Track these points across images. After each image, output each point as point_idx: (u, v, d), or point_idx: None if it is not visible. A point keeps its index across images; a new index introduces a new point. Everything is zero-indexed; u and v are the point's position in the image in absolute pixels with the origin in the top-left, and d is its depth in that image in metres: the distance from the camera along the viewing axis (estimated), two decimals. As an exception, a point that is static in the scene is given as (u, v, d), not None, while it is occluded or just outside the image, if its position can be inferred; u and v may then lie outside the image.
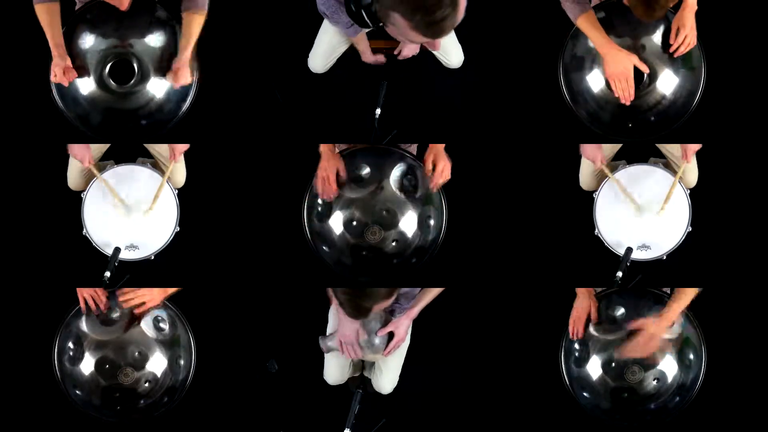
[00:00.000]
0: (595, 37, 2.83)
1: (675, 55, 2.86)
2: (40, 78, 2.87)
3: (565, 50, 2.97)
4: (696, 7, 2.82)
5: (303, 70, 3.20)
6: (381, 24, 2.43)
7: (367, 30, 3.06)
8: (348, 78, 3.24)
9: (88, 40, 2.84)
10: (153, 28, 2.85)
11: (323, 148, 2.91)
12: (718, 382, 3.04)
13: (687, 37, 2.82)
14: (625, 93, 2.85)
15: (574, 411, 3.01)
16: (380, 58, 3.15)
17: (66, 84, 2.82)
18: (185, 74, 2.83)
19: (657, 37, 2.88)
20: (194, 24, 2.82)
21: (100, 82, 2.85)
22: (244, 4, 3.28)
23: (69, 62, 2.80)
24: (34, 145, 3.19)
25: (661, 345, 2.90)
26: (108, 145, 3.10)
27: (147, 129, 2.90)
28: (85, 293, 2.91)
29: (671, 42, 2.84)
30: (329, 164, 2.90)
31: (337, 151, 2.96)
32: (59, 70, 2.79)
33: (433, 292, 2.90)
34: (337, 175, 2.91)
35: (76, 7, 2.90)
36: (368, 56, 3.13)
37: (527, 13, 3.28)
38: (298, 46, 3.22)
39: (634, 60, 2.82)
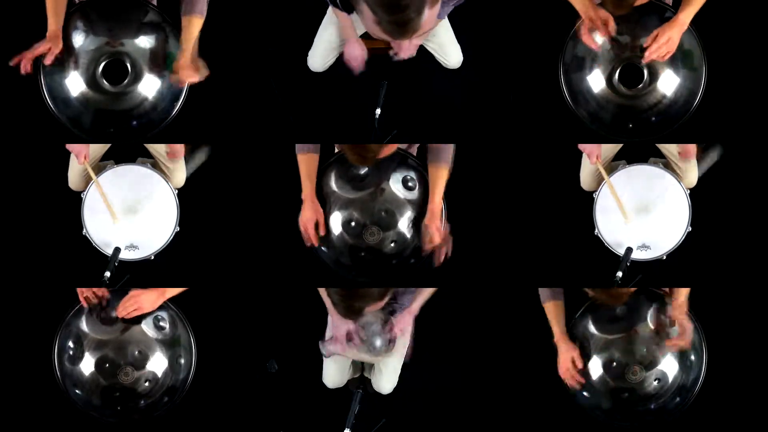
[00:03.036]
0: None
1: (643, 61, 2.85)
2: (31, 78, 2.86)
3: (565, 50, 2.96)
4: (685, 27, 2.81)
5: (302, 69, 3.20)
6: (353, 10, 2.40)
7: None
8: (348, 78, 3.24)
9: (79, 39, 2.83)
10: (146, 28, 2.85)
11: (307, 191, 2.93)
12: (719, 382, 3.03)
13: (661, 47, 2.80)
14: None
15: (574, 411, 3.01)
16: (357, 62, 3.09)
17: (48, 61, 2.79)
18: (190, 72, 2.80)
19: (657, 37, 2.88)
20: (193, 25, 2.81)
21: (92, 82, 2.85)
22: (243, 3, 3.28)
23: (60, 47, 2.78)
24: (33, 146, 3.19)
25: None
26: (108, 145, 3.11)
27: (140, 129, 2.89)
28: (85, 292, 2.91)
29: (645, 45, 2.84)
30: (312, 214, 2.93)
31: (338, 150, 2.96)
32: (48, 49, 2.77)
33: (430, 289, 2.91)
34: (317, 225, 2.94)
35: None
36: (351, 46, 3.04)
37: (527, 13, 3.28)
38: (297, 45, 3.22)
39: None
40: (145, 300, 2.91)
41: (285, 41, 3.31)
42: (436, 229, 2.89)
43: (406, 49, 2.96)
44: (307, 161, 2.93)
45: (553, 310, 2.98)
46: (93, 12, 2.84)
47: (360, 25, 3.05)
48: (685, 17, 2.80)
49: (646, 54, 2.82)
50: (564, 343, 2.96)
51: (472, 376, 3.28)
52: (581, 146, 3.03)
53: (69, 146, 2.97)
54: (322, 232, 2.94)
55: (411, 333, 2.91)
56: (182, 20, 2.83)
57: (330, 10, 3.07)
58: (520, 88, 3.27)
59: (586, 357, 2.96)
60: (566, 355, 2.95)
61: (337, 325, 2.83)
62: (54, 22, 2.77)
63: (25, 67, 2.75)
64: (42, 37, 2.79)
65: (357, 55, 3.05)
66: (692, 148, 2.99)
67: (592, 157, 2.99)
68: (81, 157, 2.95)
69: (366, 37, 3.11)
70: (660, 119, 2.94)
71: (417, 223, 2.95)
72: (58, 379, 2.95)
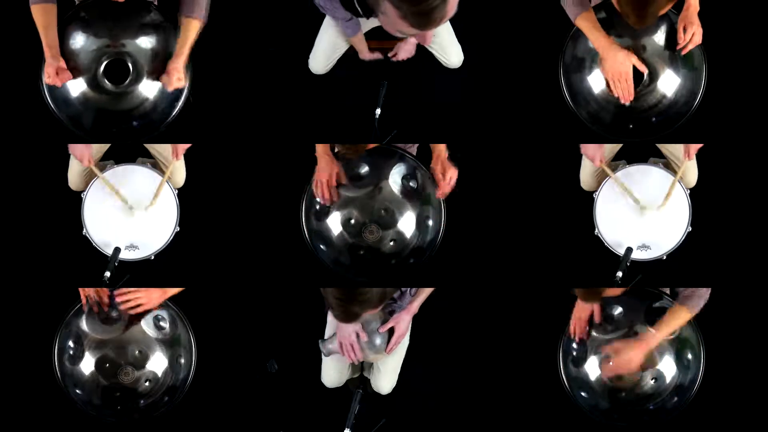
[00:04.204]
0: (595, 36, 2.82)
1: (683, 53, 2.85)
2: (32, 78, 2.86)
3: (565, 51, 2.96)
4: (698, 7, 2.82)
5: (303, 70, 3.21)
6: (373, 14, 2.40)
7: (365, 31, 3.07)
8: (348, 78, 3.25)
9: (80, 40, 2.83)
10: (147, 28, 2.84)
11: (320, 150, 2.90)
12: (717, 382, 3.03)
13: (695, 34, 2.81)
14: (625, 93, 2.84)
15: (573, 411, 3.01)
16: (377, 54, 3.15)
17: (59, 84, 2.80)
18: (180, 77, 2.81)
19: (658, 38, 2.87)
20: (192, 29, 2.81)
21: (93, 82, 2.84)
22: (244, 4, 3.28)
23: (62, 63, 2.78)
24: (33, 146, 3.19)
25: (644, 364, 2.87)
26: (108, 145, 3.11)
27: (141, 130, 2.89)
28: (87, 293, 2.91)
29: (679, 40, 2.83)
30: (328, 168, 2.90)
31: (336, 150, 2.97)
32: (52, 71, 2.77)
33: (429, 289, 2.91)
34: (337, 179, 2.91)
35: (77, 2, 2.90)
36: (365, 54, 3.14)
37: (527, 13, 3.28)
38: (298, 47, 3.23)
39: (633, 59, 2.82)
40: (152, 297, 2.90)
41: (285, 42, 3.31)
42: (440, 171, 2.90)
43: (430, 38, 2.97)
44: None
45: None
46: (94, 12, 2.84)
47: (364, 24, 3.07)
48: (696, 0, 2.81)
49: (689, 46, 2.82)
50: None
51: (472, 376, 3.28)
52: (583, 150, 3.03)
53: (71, 149, 2.97)
54: (342, 180, 2.91)
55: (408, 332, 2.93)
56: (182, 21, 2.82)
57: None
58: (520, 88, 3.27)
59: (581, 359, 2.96)
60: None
61: (341, 327, 2.83)
62: (45, 36, 2.75)
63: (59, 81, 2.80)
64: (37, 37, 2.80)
65: (376, 55, 3.10)
66: (694, 147, 2.98)
67: (596, 160, 3.00)
68: (85, 160, 2.96)
69: (371, 37, 3.13)
70: (660, 119, 2.93)
71: (418, 221, 2.96)
72: (59, 379, 2.95)
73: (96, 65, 2.83)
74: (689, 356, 2.93)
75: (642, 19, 2.63)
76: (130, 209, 2.99)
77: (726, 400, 3.14)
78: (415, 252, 2.98)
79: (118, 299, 2.89)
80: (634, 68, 2.83)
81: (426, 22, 2.24)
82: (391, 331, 2.86)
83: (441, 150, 2.91)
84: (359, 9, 2.62)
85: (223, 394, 3.23)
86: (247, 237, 3.24)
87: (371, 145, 2.84)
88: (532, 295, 3.20)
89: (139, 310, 2.90)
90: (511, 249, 3.24)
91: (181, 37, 2.81)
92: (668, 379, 2.92)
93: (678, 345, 2.92)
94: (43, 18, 2.76)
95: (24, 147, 3.21)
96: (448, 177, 2.88)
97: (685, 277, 3.12)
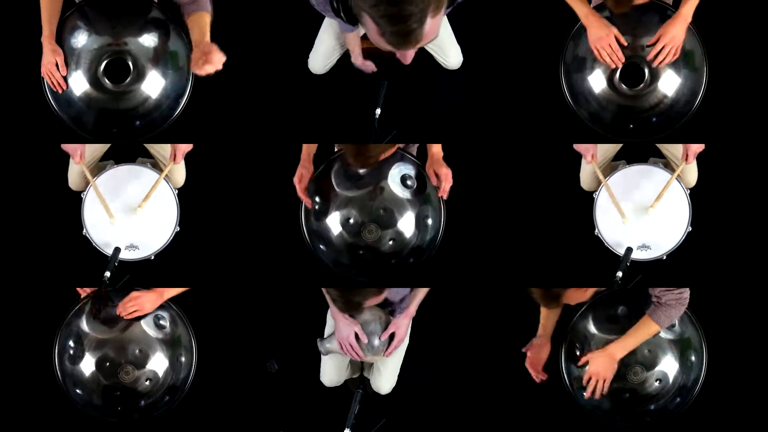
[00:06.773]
0: (578, 7, 2.83)
1: (653, 65, 2.84)
2: (33, 78, 2.86)
3: (566, 50, 2.96)
4: (689, 20, 2.79)
5: (303, 71, 3.20)
6: (356, 23, 2.40)
7: (363, 32, 3.07)
8: (348, 78, 3.24)
9: (81, 39, 2.82)
10: (148, 26, 2.84)
11: (303, 152, 2.94)
12: (719, 383, 3.04)
13: (666, 47, 2.80)
14: (613, 57, 2.82)
15: (575, 411, 3.01)
16: (369, 66, 3.13)
17: (60, 90, 2.80)
18: (215, 58, 2.59)
19: (658, 37, 2.88)
20: (203, 20, 2.74)
21: (95, 81, 2.84)
22: (244, 4, 3.28)
23: (61, 58, 2.78)
24: (33, 146, 3.19)
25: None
26: (108, 145, 3.11)
27: (142, 129, 2.89)
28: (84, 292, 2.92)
29: (651, 51, 2.83)
30: (300, 172, 2.95)
31: (337, 149, 2.96)
32: (52, 68, 2.77)
33: (425, 289, 2.91)
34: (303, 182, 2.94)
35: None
36: (358, 58, 3.11)
37: (527, 13, 3.28)
38: (298, 47, 3.23)
39: (614, 30, 2.81)
40: (145, 302, 2.91)
41: (285, 42, 3.31)
42: (434, 172, 2.92)
43: (410, 58, 2.97)
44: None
45: None
46: (95, 10, 2.83)
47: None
48: (687, 11, 2.78)
49: (658, 58, 2.81)
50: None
51: (471, 376, 3.29)
52: (576, 147, 3.03)
53: (64, 146, 2.96)
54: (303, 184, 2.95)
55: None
56: (190, 18, 2.76)
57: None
58: (520, 88, 3.28)
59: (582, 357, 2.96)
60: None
61: (339, 328, 2.83)
62: (47, 27, 2.76)
63: (60, 86, 2.80)
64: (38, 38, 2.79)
65: (368, 66, 3.09)
66: (693, 152, 2.98)
67: (588, 155, 3.00)
68: (77, 156, 2.95)
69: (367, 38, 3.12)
70: (661, 119, 2.93)
71: (417, 221, 2.96)
72: (59, 379, 2.95)
73: (97, 64, 2.82)
74: (692, 357, 2.93)
75: (619, 4, 2.68)
76: (111, 220, 2.98)
77: (728, 401, 3.14)
78: (415, 251, 2.98)
79: (118, 310, 2.90)
80: (635, 70, 2.83)
81: (402, 42, 2.24)
82: (391, 335, 2.86)
83: (435, 152, 2.92)
84: (343, 16, 2.63)
85: (223, 394, 3.23)
86: (247, 237, 3.24)
87: (383, 155, 2.84)
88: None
89: (137, 314, 2.90)
90: (510, 249, 3.24)
91: (198, 28, 2.72)
92: (671, 380, 2.92)
93: (681, 346, 2.93)
94: (49, 6, 2.76)
95: (24, 147, 3.21)
96: (443, 175, 2.89)
97: (685, 277, 3.12)
